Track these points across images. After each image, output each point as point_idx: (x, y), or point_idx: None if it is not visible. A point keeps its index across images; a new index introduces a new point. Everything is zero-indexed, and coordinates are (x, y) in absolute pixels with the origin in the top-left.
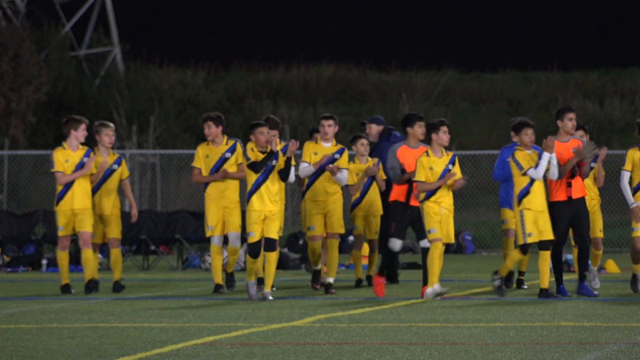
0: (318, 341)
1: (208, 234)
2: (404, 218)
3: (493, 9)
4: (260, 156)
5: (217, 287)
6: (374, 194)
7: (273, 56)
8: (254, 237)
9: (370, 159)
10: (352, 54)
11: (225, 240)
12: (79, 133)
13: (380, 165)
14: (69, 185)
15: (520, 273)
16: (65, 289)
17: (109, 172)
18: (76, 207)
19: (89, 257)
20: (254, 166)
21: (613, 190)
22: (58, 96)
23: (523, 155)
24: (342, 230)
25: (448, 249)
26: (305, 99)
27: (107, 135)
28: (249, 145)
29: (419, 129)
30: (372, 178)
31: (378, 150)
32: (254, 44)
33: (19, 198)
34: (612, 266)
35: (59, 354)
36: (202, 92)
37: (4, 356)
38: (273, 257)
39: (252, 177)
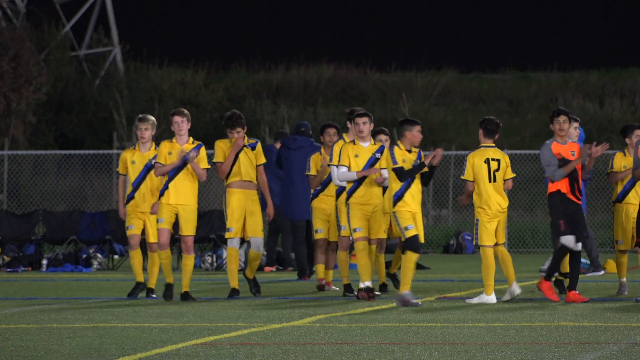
0: (318, 341)
1: (227, 235)
2: (569, 212)
3: (493, 9)
4: (407, 156)
5: (233, 292)
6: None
7: (273, 56)
8: (413, 230)
9: None
10: (352, 54)
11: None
12: (174, 126)
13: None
14: (171, 179)
15: (564, 275)
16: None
17: (149, 167)
18: (179, 202)
19: (189, 263)
20: (401, 174)
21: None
22: (58, 96)
23: None
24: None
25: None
26: (305, 99)
27: (140, 130)
28: (395, 149)
29: (556, 125)
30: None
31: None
32: (254, 44)
33: (19, 198)
34: (612, 266)
35: (59, 354)
36: (202, 92)
37: (4, 356)
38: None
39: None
